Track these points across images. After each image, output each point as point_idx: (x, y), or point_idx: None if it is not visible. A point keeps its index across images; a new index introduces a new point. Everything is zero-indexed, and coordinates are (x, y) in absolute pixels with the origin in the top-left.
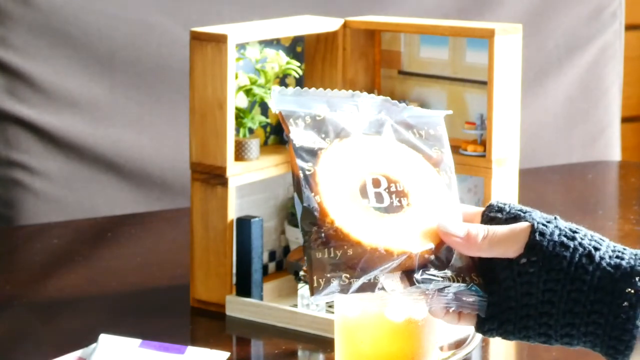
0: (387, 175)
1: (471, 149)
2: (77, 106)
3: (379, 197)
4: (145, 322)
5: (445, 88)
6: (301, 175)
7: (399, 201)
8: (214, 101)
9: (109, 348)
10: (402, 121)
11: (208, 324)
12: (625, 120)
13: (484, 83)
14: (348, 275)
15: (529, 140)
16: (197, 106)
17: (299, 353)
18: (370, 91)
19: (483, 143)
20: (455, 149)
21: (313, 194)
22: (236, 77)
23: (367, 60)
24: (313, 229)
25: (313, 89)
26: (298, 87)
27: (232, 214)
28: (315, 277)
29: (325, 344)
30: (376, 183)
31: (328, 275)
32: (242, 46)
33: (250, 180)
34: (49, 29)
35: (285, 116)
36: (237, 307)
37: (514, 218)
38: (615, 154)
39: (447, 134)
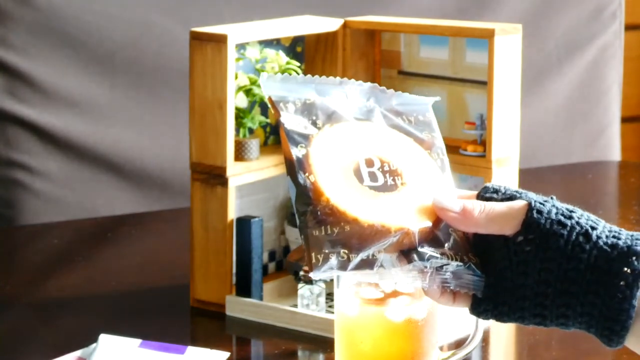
0: (379, 156)
1: (471, 149)
2: (77, 106)
3: (373, 177)
4: (145, 322)
5: (445, 88)
6: (294, 157)
7: (393, 180)
8: (214, 101)
9: (109, 348)
10: (391, 108)
11: (208, 324)
12: (625, 120)
13: (484, 83)
14: (346, 251)
15: (529, 140)
16: (197, 106)
17: (299, 353)
18: None
19: (483, 143)
20: (455, 149)
21: (307, 174)
22: (236, 77)
23: (367, 60)
24: (308, 209)
25: (301, 75)
26: (286, 74)
27: (232, 214)
28: (313, 254)
29: (325, 344)
30: (369, 163)
31: (326, 251)
32: (242, 46)
33: (250, 180)
34: (49, 29)
35: (275, 101)
36: (237, 307)
37: (509, 198)
38: (615, 154)
39: (435, 119)
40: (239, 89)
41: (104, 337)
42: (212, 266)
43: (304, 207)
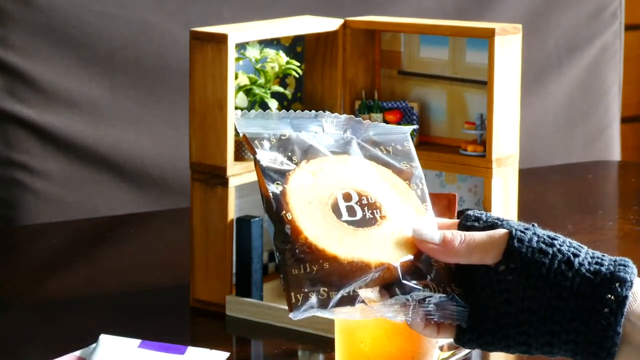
0: (357, 189)
1: (471, 149)
2: (77, 106)
3: (351, 211)
4: (145, 322)
5: (445, 88)
6: (271, 194)
7: (372, 213)
8: (214, 101)
9: (109, 348)
10: (368, 139)
11: (208, 324)
12: (625, 120)
13: (484, 83)
14: (326, 289)
15: (529, 140)
16: (197, 106)
17: (299, 353)
18: (370, 91)
19: (483, 143)
20: (455, 149)
21: (284, 212)
22: (236, 77)
23: (367, 60)
24: (287, 247)
25: (276, 111)
26: (261, 110)
27: (232, 214)
28: (292, 294)
29: (325, 344)
30: (347, 197)
31: (306, 290)
32: (242, 46)
33: (250, 180)
34: (49, 29)
35: (250, 138)
36: (237, 307)
37: (490, 226)
38: (615, 154)
39: (414, 148)
40: (239, 89)
41: (104, 337)
42: (212, 266)
43: (283, 245)
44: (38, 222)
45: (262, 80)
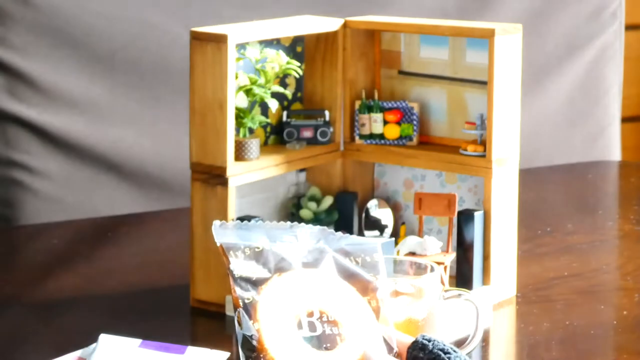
0: (321, 308)
1: (471, 149)
2: (77, 106)
3: (312, 326)
4: (145, 322)
5: (445, 88)
6: (241, 304)
7: (331, 329)
8: (214, 101)
9: (109, 348)
10: (340, 249)
11: (208, 324)
12: (625, 120)
13: (484, 83)
14: None
15: (529, 140)
16: (197, 106)
17: None
18: (370, 91)
19: (483, 143)
20: (455, 149)
21: (253, 322)
22: (236, 77)
23: (367, 60)
24: (252, 355)
25: (253, 221)
26: (238, 221)
27: (232, 214)
28: None
29: None
30: (310, 314)
31: None
32: (242, 46)
33: (250, 180)
34: (49, 29)
35: (226, 248)
36: None
37: (434, 359)
38: (615, 154)
39: (383, 260)
40: (239, 89)
41: (104, 337)
42: (212, 266)
43: (249, 353)
44: (38, 222)
45: (262, 80)
